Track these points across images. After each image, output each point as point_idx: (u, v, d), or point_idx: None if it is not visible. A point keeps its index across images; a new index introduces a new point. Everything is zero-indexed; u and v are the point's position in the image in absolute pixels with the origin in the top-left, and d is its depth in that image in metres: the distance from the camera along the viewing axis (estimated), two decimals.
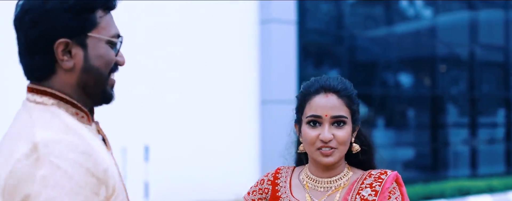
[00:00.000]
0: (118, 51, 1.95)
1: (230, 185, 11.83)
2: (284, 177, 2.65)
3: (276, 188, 2.63)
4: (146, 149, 10.79)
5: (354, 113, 2.51)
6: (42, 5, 1.82)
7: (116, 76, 1.96)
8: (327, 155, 2.45)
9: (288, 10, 12.83)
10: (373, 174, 2.52)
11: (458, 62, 17.47)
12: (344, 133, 2.45)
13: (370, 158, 2.61)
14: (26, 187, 1.65)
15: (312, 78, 2.59)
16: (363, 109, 15.50)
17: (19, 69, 1.92)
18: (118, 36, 1.94)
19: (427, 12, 16.74)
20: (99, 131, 1.99)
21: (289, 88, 12.65)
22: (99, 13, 1.88)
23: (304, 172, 2.61)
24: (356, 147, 2.55)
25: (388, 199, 2.44)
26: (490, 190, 14.64)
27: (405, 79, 16.89)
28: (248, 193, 2.69)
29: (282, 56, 12.68)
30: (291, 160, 2.69)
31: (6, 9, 9.13)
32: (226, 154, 11.86)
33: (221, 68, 12.01)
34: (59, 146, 1.69)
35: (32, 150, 1.68)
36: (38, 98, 1.86)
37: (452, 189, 14.17)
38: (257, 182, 2.69)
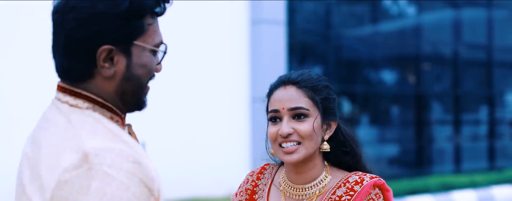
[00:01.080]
0: (161, 61, 1.87)
1: (223, 179, 11.81)
2: (266, 179, 2.54)
3: (255, 190, 2.53)
4: (142, 145, 10.66)
5: (321, 105, 2.35)
6: (92, 6, 1.71)
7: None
8: (289, 152, 2.31)
9: (278, 11, 12.83)
10: (349, 182, 2.35)
11: (442, 61, 17.44)
12: (306, 125, 2.30)
13: (354, 160, 2.45)
14: (81, 200, 1.58)
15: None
16: (347, 107, 15.64)
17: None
18: (161, 43, 1.86)
19: (412, 11, 16.78)
20: (131, 133, 1.91)
21: None
22: (148, 19, 1.78)
23: (282, 175, 2.48)
24: (325, 146, 2.38)
25: None
26: (473, 185, 14.71)
27: (390, 77, 16.90)
28: (236, 195, 2.59)
29: (272, 55, 12.72)
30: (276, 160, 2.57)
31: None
32: (219, 150, 11.89)
33: (214, 67, 12.03)
34: (110, 156, 1.62)
35: (82, 160, 1.61)
36: (71, 100, 1.77)
37: (436, 184, 14.21)
38: (243, 182, 2.59)
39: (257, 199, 2.48)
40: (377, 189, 2.31)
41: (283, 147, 2.31)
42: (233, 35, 12.46)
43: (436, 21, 17.11)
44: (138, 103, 1.84)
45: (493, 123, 18.44)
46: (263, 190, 2.50)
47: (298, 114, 2.30)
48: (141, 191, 1.60)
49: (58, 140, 1.67)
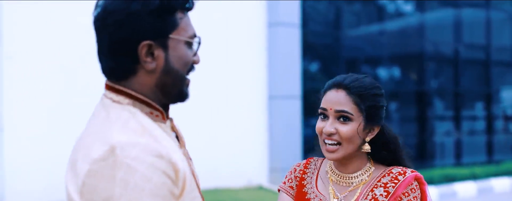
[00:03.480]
0: (196, 51, 1.95)
1: (242, 172, 12.02)
2: (313, 169, 2.67)
3: (304, 177, 2.66)
4: None
5: (366, 111, 2.45)
6: (126, 8, 1.79)
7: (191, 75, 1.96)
8: (331, 151, 2.46)
9: (293, 15, 13.00)
10: (392, 173, 2.50)
11: (443, 59, 17.62)
12: (347, 128, 2.42)
13: (395, 158, 2.58)
14: (107, 189, 1.66)
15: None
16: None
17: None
18: (195, 36, 1.93)
19: (415, 13, 16.85)
20: (173, 127, 1.99)
21: (294, 84, 12.85)
22: (179, 14, 1.86)
23: (329, 165, 2.62)
24: (366, 147, 2.49)
25: None
26: (474, 177, 15.14)
27: (394, 74, 16.97)
28: (284, 183, 2.70)
29: (288, 56, 12.88)
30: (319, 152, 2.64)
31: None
32: (238, 144, 11.99)
33: (233, 67, 12.20)
34: (135, 150, 1.68)
35: (109, 153, 1.68)
36: (114, 96, 1.86)
37: (439, 176, 14.55)
38: (290, 172, 2.70)
39: (305, 185, 2.62)
40: (416, 181, 2.47)
41: (326, 144, 2.47)
42: (252, 37, 12.67)
43: (438, 22, 17.19)
44: (180, 95, 1.93)
45: (490, 119, 18.57)
46: (311, 178, 2.63)
47: (342, 117, 2.44)
48: (163, 182, 1.68)
49: (94, 132, 1.78)
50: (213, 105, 12.03)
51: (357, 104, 2.44)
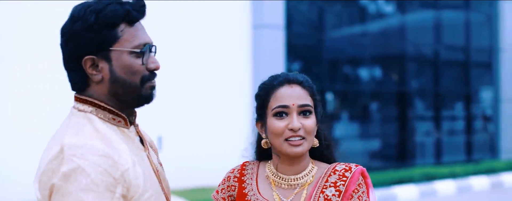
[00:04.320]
0: (147, 58, 2.03)
1: (226, 171, 12.06)
2: (250, 174, 2.55)
3: (243, 185, 2.52)
4: (160, 140, 11.10)
5: (316, 105, 2.43)
6: (70, 27, 1.96)
7: (156, 80, 2.07)
8: (296, 145, 2.35)
9: (277, 17, 13.22)
10: (338, 171, 2.42)
11: (424, 60, 17.75)
12: (311, 122, 2.37)
13: (330, 152, 2.53)
14: (52, 181, 1.82)
15: (270, 76, 2.49)
16: (334, 104, 15.88)
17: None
18: (145, 45, 2.01)
19: (397, 15, 17.01)
20: (138, 132, 2.13)
21: None
22: (122, 26, 1.96)
23: (269, 168, 2.50)
24: (315, 142, 2.44)
25: (350, 199, 2.36)
26: (453, 176, 15.21)
27: (376, 75, 17.03)
28: (217, 192, 2.58)
29: (272, 57, 13.10)
30: (252, 157, 2.61)
31: None
32: (223, 144, 11.96)
33: (220, 68, 12.40)
34: (81, 149, 1.83)
35: (60, 152, 1.85)
36: (80, 105, 2.01)
37: (419, 175, 14.61)
38: (224, 179, 2.58)
39: (247, 193, 2.49)
40: (361, 178, 2.42)
41: (290, 141, 2.34)
42: (237, 39, 12.87)
43: (419, 23, 17.36)
44: (140, 99, 2.05)
45: (470, 119, 18.75)
46: (251, 184, 2.50)
47: (305, 111, 2.37)
48: (103, 179, 1.80)
49: (54, 138, 1.95)
50: (198, 106, 12.19)
51: (312, 96, 2.41)
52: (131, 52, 1.97)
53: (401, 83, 17.18)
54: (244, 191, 2.50)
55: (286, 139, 2.35)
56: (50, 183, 1.82)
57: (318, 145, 2.46)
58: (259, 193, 2.46)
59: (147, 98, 2.05)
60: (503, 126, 18.97)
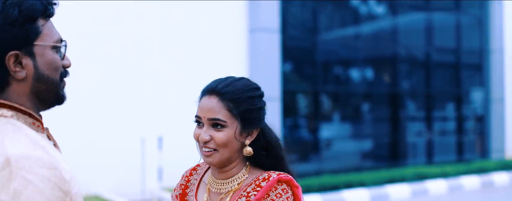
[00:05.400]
0: (64, 55, 1.91)
1: None
2: (197, 175, 2.59)
3: (187, 184, 2.58)
4: (160, 140, 11.36)
5: (241, 116, 2.34)
6: None
7: (67, 79, 1.93)
8: (207, 156, 2.36)
9: (273, 20, 13.45)
10: (259, 179, 2.36)
11: (416, 62, 17.86)
12: (222, 135, 2.32)
13: (275, 162, 2.46)
14: (1, 198, 1.62)
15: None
16: (328, 105, 16.12)
17: None
18: (61, 40, 1.89)
19: (389, 18, 17.15)
20: (49, 137, 1.95)
21: (274, 87, 13.34)
22: (41, 21, 1.83)
23: (211, 171, 2.51)
24: (248, 150, 2.38)
25: None
26: (444, 175, 15.46)
27: (369, 76, 17.10)
28: (174, 190, 2.62)
29: (268, 59, 13.34)
30: None
31: None
32: None
33: (217, 69, 12.51)
34: (28, 162, 1.65)
35: (5, 164, 1.65)
36: None
37: (411, 174, 14.85)
38: (180, 178, 2.64)
39: (188, 193, 2.55)
40: (284, 184, 2.33)
41: (202, 150, 2.37)
42: (233, 42, 13.16)
43: (410, 26, 17.54)
44: (57, 99, 1.90)
45: (460, 120, 18.92)
46: (194, 185, 2.55)
47: (215, 124, 2.34)
48: (55, 195, 1.64)
49: None
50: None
51: (229, 110, 2.33)
52: (53, 47, 1.85)
53: (393, 84, 17.33)
54: (186, 190, 2.56)
55: (202, 148, 2.37)
56: None
57: (251, 154, 2.38)
58: (195, 196, 2.51)
59: (63, 97, 1.92)
60: (493, 126, 19.19)
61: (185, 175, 2.61)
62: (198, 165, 2.63)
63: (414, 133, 17.82)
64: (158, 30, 12.31)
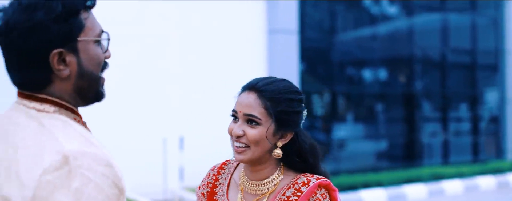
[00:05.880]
0: (107, 48, 1.84)
1: None
2: (226, 174, 2.56)
3: (216, 184, 2.54)
4: (181, 140, 11.49)
5: (276, 116, 2.33)
6: (29, 19, 1.67)
7: (105, 73, 1.85)
8: (239, 152, 2.35)
9: (291, 22, 13.59)
10: (297, 183, 2.35)
11: (431, 63, 17.95)
12: (255, 132, 2.31)
13: (308, 168, 2.44)
14: (60, 199, 1.58)
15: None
16: (343, 105, 16.19)
17: None
18: (102, 32, 1.82)
19: (405, 20, 17.25)
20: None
21: None
22: (83, 14, 1.75)
23: (242, 170, 2.49)
24: (277, 152, 2.36)
25: None
26: (460, 175, 15.49)
27: (385, 77, 17.22)
28: (199, 187, 2.59)
29: (286, 60, 13.47)
30: None
31: None
32: None
33: (237, 70, 12.81)
34: (86, 159, 1.61)
35: (63, 163, 1.60)
36: (37, 105, 1.75)
37: (427, 174, 14.93)
38: (206, 176, 2.59)
39: (217, 192, 2.51)
40: (323, 189, 2.33)
41: (234, 145, 2.36)
42: (253, 43, 13.35)
43: (426, 27, 17.60)
44: (96, 95, 1.83)
45: (476, 120, 18.96)
46: (223, 184, 2.52)
47: (249, 120, 2.33)
48: (113, 192, 1.62)
49: (34, 143, 1.66)
50: (217, 107, 12.30)
51: (266, 108, 2.32)
52: (96, 41, 1.78)
53: (408, 84, 17.40)
54: (215, 189, 2.53)
55: (234, 143, 2.37)
56: (58, 199, 1.57)
57: (280, 156, 2.37)
58: (227, 195, 2.48)
59: (103, 94, 1.85)
60: (508, 126, 19.20)
61: (212, 173, 2.58)
62: (224, 163, 2.61)
63: (430, 133, 17.82)
64: (179, 32, 12.46)
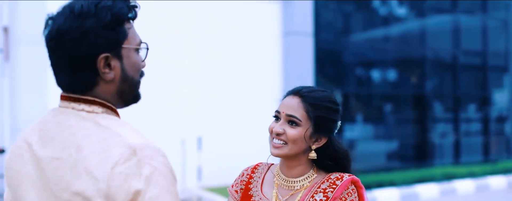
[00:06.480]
0: (146, 57, 1.98)
1: None
2: (260, 173, 2.75)
3: (250, 181, 2.73)
4: (199, 140, 11.63)
5: (314, 120, 2.53)
6: (81, 26, 1.80)
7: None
8: (276, 147, 2.54)
9: (306, 24, 13.66)
10: (331, 178, 2.55)
11: (443, 64, 18.01)
12: (294, 132, 2.51)
13: (342, 169, 2.63)
14: (134, 185, 1.71)
15: None
16: (355, 105, 16.19)
17: None
18: (141, 42, 1.95)
19: (417, 22, 17.31)
20: None
21: None
22: (127, 24, 1.89)
23: (276, 169, 2.68)
24: (312, 154, 2.56)
25: None
26: (471, 175, 15.56)
27: (396, 78, 17.23)
28: (232, 186, 2.78)
29: (301, 62, 13.52)
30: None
31: None
32: (258, 143, 11.85)
33: (253, 72, 12.96)
34: (150, 151, 1.75)
35: (131, 154, 1.73)
36: (86, 107, 1.87)
37: (439, 174, 15.04)
38: (239, 175, 2.78)
39: (252, 188, 2.70)
40: (353, 185, 2.54)
41: (273, 142, 2.56)
42: (269, 45, 13.42)
43: (437, 29, 17.65)
44: (134, 98, 1.97)
45: (487, 121, 19.01)
46: (257, 181, 2.72)
47: (291, 121, 2.53)
48: (171, 180, 1.77)
49: (97, 140, 1.78)
50: (237, 108, 12.81)
51: (307, 111, 2.52)
52: (136, 49, 1.93)
53: (420, 85, 17.43)
54: (249, 186, 2.70)
55: (273, 140, 2.56)
56: (131, 188, 1.71)
57: (314, 158, 2.58)
58: (261, 190, 2.66)
59: (139, 96, 2.00)
60: None
61: (246, 172, 2.77)
62: (258, 165, 2.80)
63: (440, 134, 17.86)
64: (197, 34, 12.54)
